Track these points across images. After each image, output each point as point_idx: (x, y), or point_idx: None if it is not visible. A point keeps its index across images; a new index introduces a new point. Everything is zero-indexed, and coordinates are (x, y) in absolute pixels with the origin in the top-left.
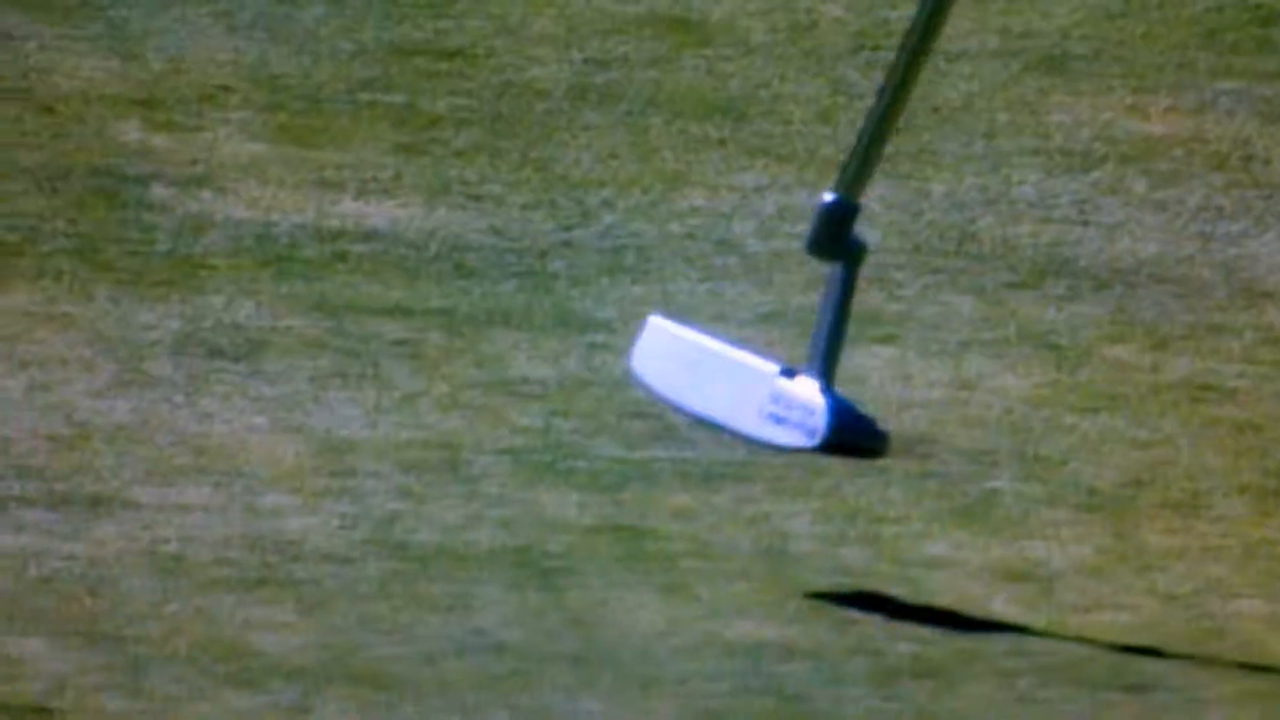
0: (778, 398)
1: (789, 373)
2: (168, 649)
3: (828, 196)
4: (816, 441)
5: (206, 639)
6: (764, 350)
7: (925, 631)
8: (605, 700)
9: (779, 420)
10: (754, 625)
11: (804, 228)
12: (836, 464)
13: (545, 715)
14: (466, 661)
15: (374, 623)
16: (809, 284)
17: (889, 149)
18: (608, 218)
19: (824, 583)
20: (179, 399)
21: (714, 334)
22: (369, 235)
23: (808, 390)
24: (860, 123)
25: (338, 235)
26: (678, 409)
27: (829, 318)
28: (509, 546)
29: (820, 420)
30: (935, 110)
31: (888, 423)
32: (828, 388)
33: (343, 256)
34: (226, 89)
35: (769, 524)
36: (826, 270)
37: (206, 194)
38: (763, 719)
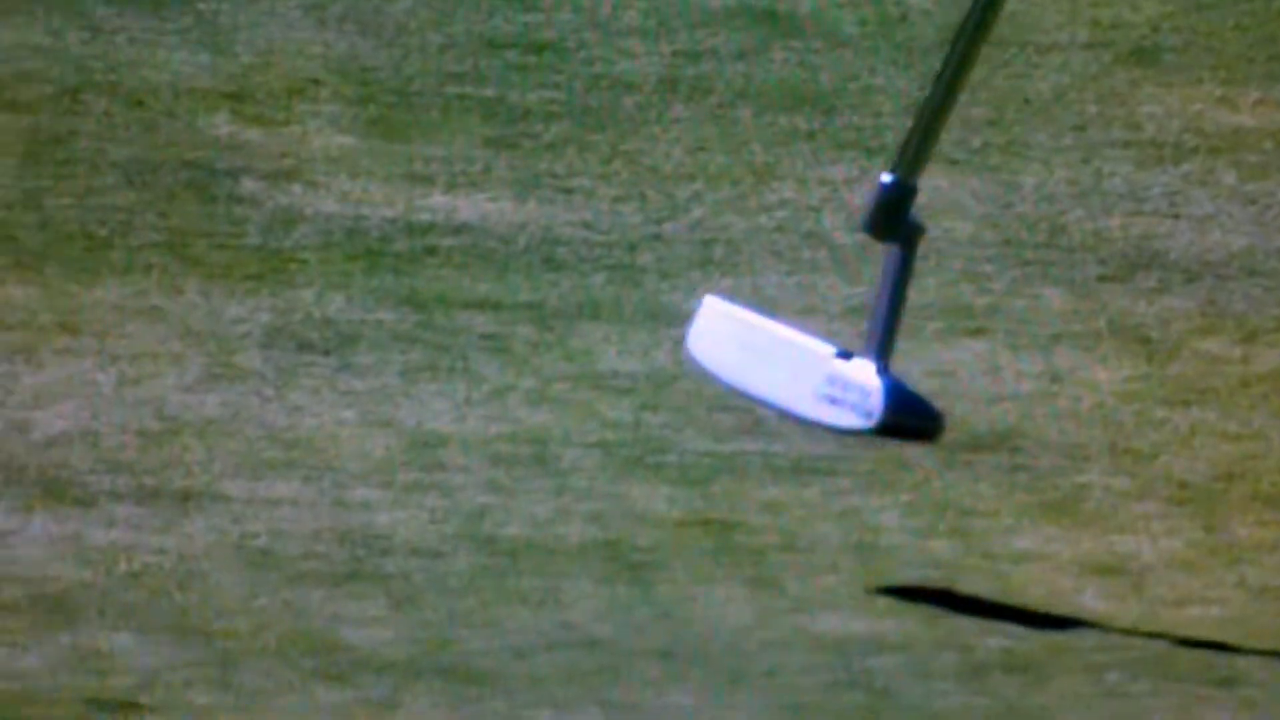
0: (834, 379)
1: (845, 354)
2: (257, 643)
3: (885, 177)
4: (872, 423)
5: (295, 633)
6: (853, 344)
7: (1014, 626)
8: (694, 694)
9: (834, 402)
10: (843, 619)
11: None
12: (926, 458)
13: (634, 709)
14: (556, 655)
15: (463, 617)
16: None
17: (979, 141)
18: (697, 211)
19: (913, 576)
20: (269, 393)
21: (800, 326)
22: (459, 229)
23: (864, 372)
24: (919, 104)
25: (427, 229)
26: (732, 389)
27: (885, 299)
28: (598, 540)
29: (876, 402)
30: (1026, 103)
31: (977, 416)
32: (884, 369)
33: (432, 250)
34: (316, 82)
35: (858, 518)
36: (883, 251)
37: (296, 187)
38: (851, 713)
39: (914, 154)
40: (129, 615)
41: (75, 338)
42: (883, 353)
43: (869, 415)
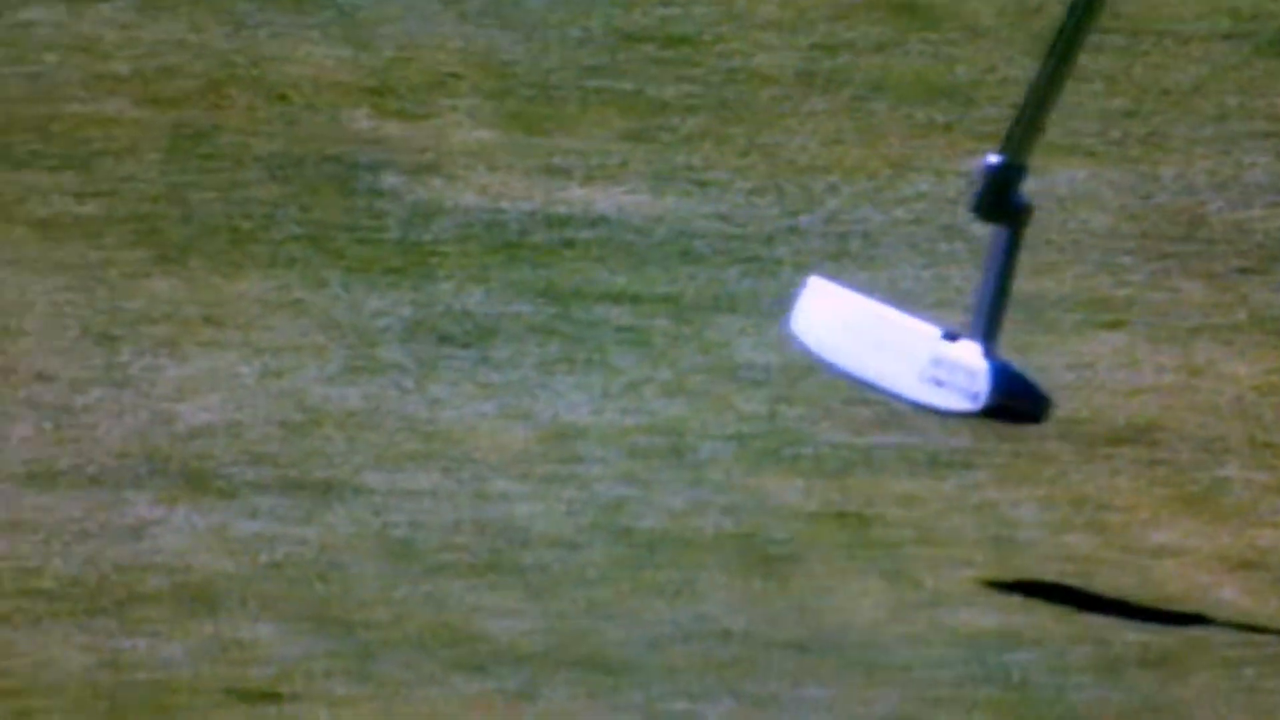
0: (939, 361)
1: (951, 336)
2: (396, 634)
3: (993, 158)
4: (978, 406)
5: (434, 624)
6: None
7: (1151, 621)
8: (828, 687)
9: (940, 383)
10: (978, 613)
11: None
12: (1064, 451)
13: (769, 702)
14: (691, 647)
15: (600, 608)
16: (1036, 270)
17: (1117, 133)
18: (833, 203)
19: (1049, 570)
20: (409, 385)
21: (935, 320)
22: (596, 221)
23: (970, 354)
24: (1029, 85)
25: (565, 222)
26: (836, 370)
27: (992, 281)
28: (733, 532)
29: (982, 384)
30: (1165, 94)
31: (1115, 409)
32: (990, 351)
33: (570, 243)
34: (456, 76)
35: (994, 511)
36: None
37: (436, 181)
38: (986, 708)
39: (1022, 134)
40: (270, 605)
41: (219, 330)
42: (989, 334)
43: (975, 398)
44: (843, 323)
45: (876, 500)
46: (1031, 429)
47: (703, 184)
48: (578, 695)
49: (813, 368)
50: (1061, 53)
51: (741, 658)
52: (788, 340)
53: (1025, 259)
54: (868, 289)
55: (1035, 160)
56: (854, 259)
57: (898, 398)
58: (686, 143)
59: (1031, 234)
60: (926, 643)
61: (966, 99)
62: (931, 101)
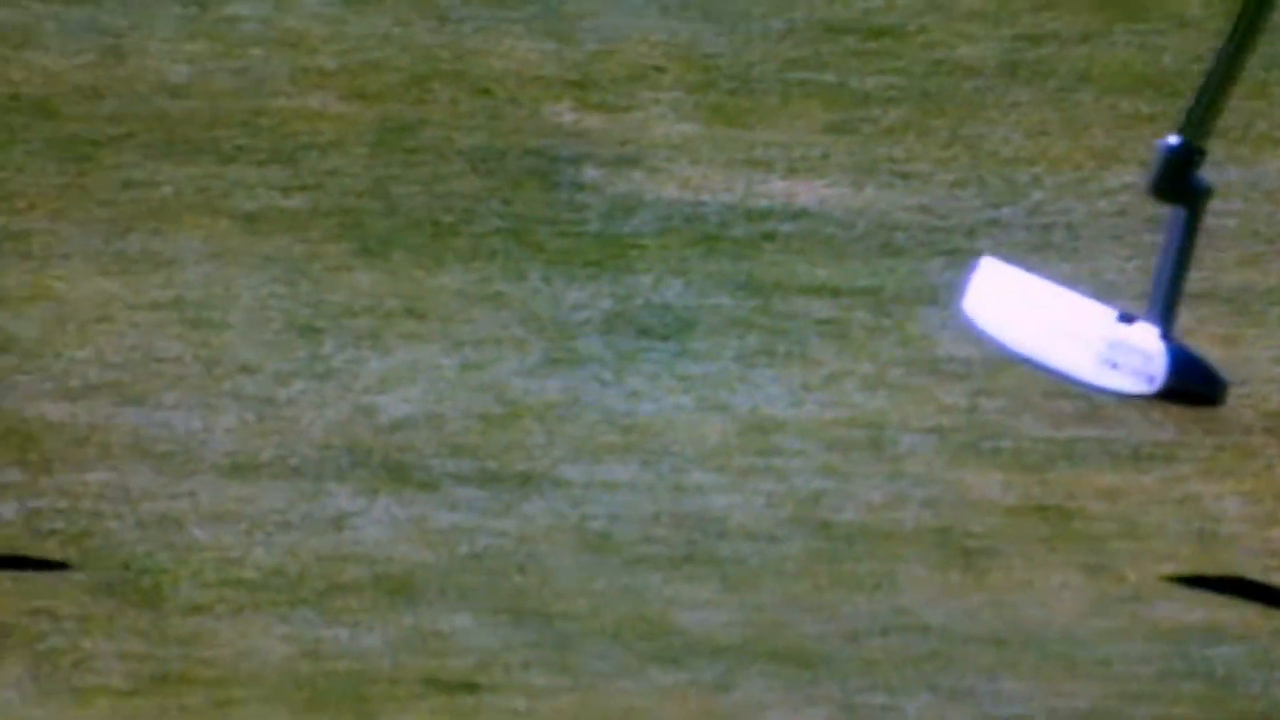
0: (1115, 343)
1: (1127, 318)
2: (594, 626)
3: (1171, 139)
4: (1154, 389)
5: (632, 616)
6: (1195, 330)
7: None
8: (1027, 681)
9: (1115, 366)
10: (1181, 608)
11: (1241, 204)
12: (1270, 444)
13: (966, 696)
14: (888, 640)
15: (797, 601)
16: (1242, 262)
17: None
18: (1036, 195)
19: (1254, 565)
20: (608, 377)
21: (1139, 312)
22: (797, 214)
23: (1146, 337)
24: (1208, 67)
25: (766, 214)
26: (1008, 350)
27: (1169, 263)
28: (932, 526)
29: (1159, 367)
30: None
31: None
32: (1167, 334)
33: (771, 236)
34: (659, 69)
35: (1198, 505)
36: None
37: (637, 174)
38: (1189, 702)
39: (1201, 116)
40: (469, 597)
41: (420, 323)
42: (1166, 317)
43: (1151, 380)
44: (1016, 303)
45: (1077, 494)
46: (1235, 422)
47: (905, 176)
48: (774, 688)
49: (1014, 361)
50: (1241, 34)
51: (939, 651)
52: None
53: (1232, 252)
54: (1071, 281)
55: (1243, 152)
56: (1057, 251)
57: (1072, 380)
58: (888, 135)
59: (1238, 226)
60: (1127, 637)
61: (1172, 90)
62: (1137, 92)
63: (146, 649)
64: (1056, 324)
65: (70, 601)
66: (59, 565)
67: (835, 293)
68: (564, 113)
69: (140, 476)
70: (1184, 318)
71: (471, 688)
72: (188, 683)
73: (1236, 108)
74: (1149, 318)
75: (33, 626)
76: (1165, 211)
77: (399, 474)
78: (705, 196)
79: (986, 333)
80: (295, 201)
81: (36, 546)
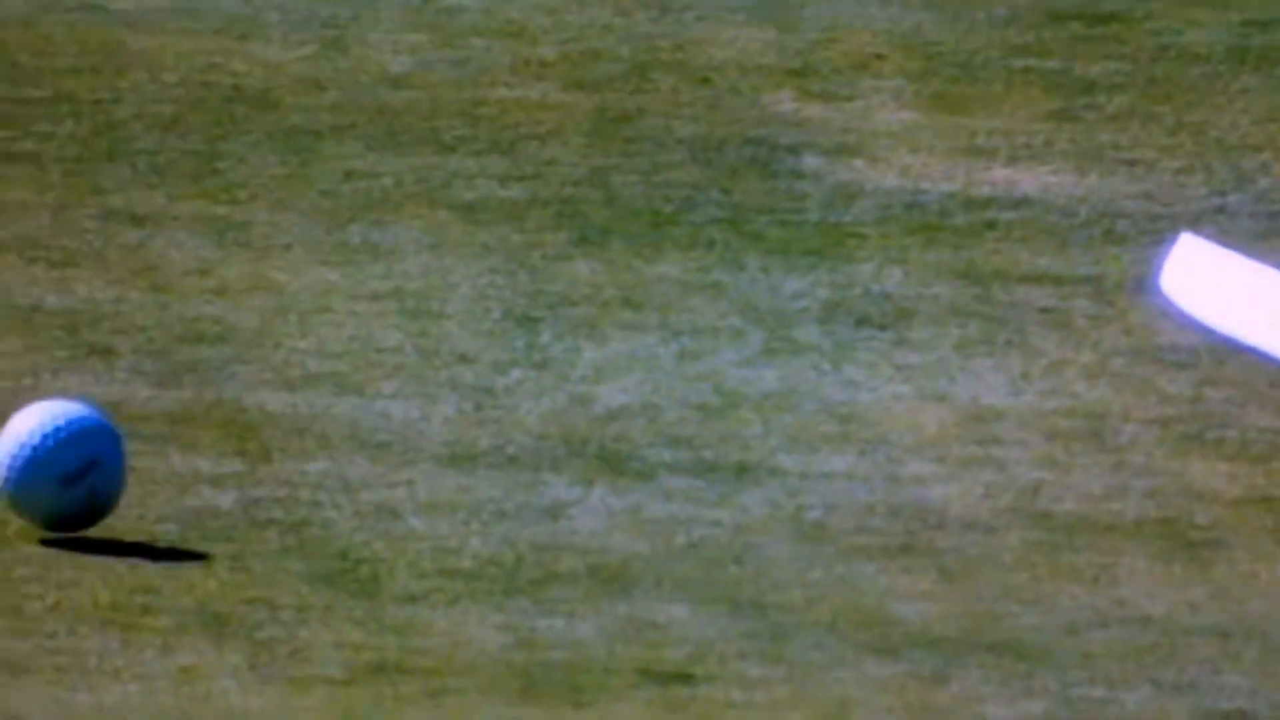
0: None
1: None
2: (809, 616)
3: None
4: None
5: (847, 607)
6: None
7: None
8: (1250, 675)
9: None
10: None
11: None
12: None
13: (1188, 689)
14: (1108, 633)
15: (1015, 592)
16: None
17: None
18: (1263, 182)
19: None
20: (825, 367)
21: None
22: (1019, 202)
23: None
24: None
25: (987, 203)
26: (1205, 329)
27: None
28: (1155, 517)
29: None
30: None
31: None
32: None
33: (992, 224)
34: (880, 57)
35: None
36: None
37: (858, 163)
38: None
39: None
40: (684, 587)
41: (638, 312)
42: None
43: None
44: (1218, 282)
45: None
46: None
47: (1129, 163)
48: (990, 680)
49: (1239, 350)
50: None
51: (1161, 644)
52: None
53: None
54: None
55: None
56: None
57: (1274, 359)
58: (1113, 121)
59: None
60: None
61: None
62: None
63: (363, 638)
64: (1260, 302)
65: (288, 591)
66: (277, 554)
67: (1057, 281)
68: (784, 101)
69: (358, 466)
70: None
71: (686, 678)
72: (403, 672)
73: None
74: None
75: (250, 616)
76: None
77: (615, 464)
78: (926, 184)
79: (1183, 311)
80: (514, 191)
81: (255, 536)
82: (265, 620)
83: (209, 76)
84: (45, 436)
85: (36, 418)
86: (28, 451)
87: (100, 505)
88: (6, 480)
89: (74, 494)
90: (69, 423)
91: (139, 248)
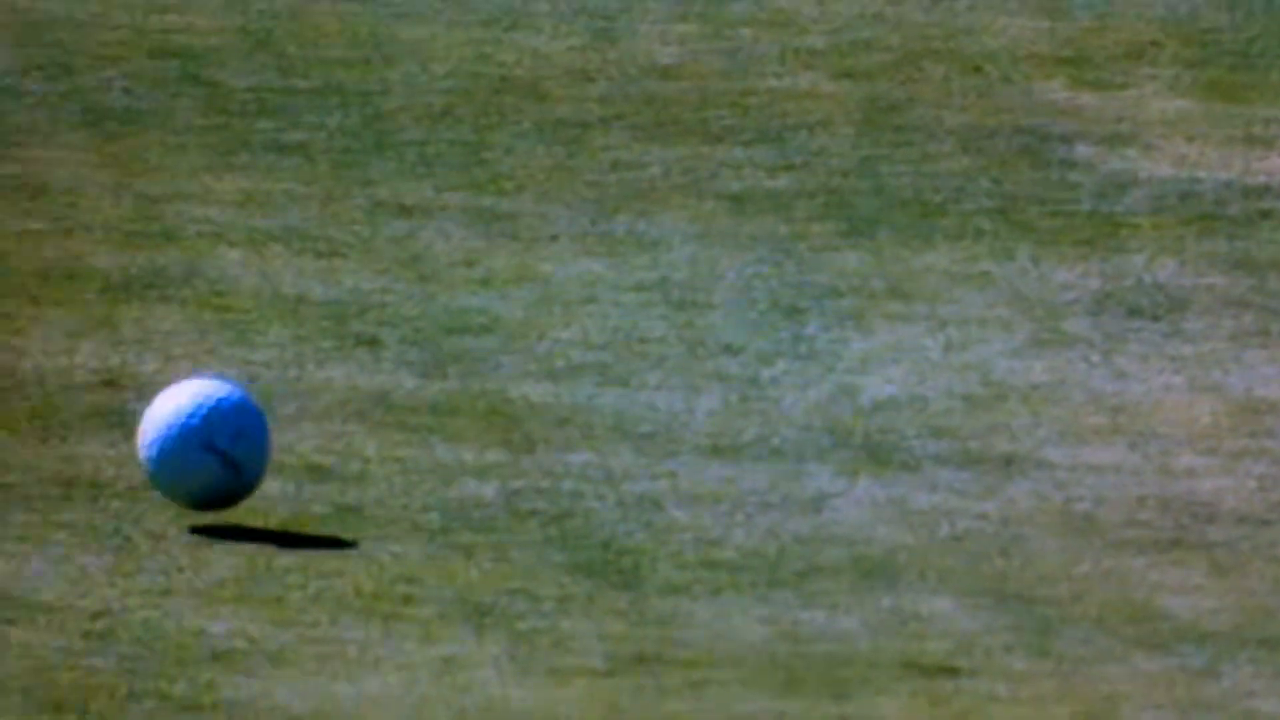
0: None
1: None
2: (1076, 610)
3: None
4: None
5: (1116, 600)
6: None
7: None
8: None
9: None
10: None
11: None
12: None
13: None
14: None
15: None
16: None
17: None
18: None
19: None
20: (1095, 359)
21: None
22: None
23: None
24: None
25: (1264, 191)
26: None
27: None
28: None
29: None
30: None
31: None
32: None
33: (1268, 213)
34: (1156, 45)
35: None
36: None
37: (1130, 152)
38: None
39: None
40: (949, 579)
41: (905, 303)
42: None
43: None
44: None
45: None
46: None
47: None
48: (1262, 675)
49: None
50: None
51: None
52: None
53: None
54: None
55: None
56: None
57: None
58: None
59: None
60: None
61: None
62: None
63: (625, 629)
64: None
65: (550, 582)
66: (539, 545)
67: None
68: (1057, 90)
69: (622, 457)
70: None
71: (951, 671)
72: (665, 663)
73: None
74: None
75: (512, 606)
76: None
77: (880, 455)
78: (1201, 173)
79: None
80: (782, 181)
81: (517, 526)
82: (527, 611)
83: (477, 67)
84: (190, 414)
85: (184, 395)
86: (173, 429)
87: (245, 484)
88: (151, 458)
89: (218, 471)
90: (214, 400)
91: (406, 238)
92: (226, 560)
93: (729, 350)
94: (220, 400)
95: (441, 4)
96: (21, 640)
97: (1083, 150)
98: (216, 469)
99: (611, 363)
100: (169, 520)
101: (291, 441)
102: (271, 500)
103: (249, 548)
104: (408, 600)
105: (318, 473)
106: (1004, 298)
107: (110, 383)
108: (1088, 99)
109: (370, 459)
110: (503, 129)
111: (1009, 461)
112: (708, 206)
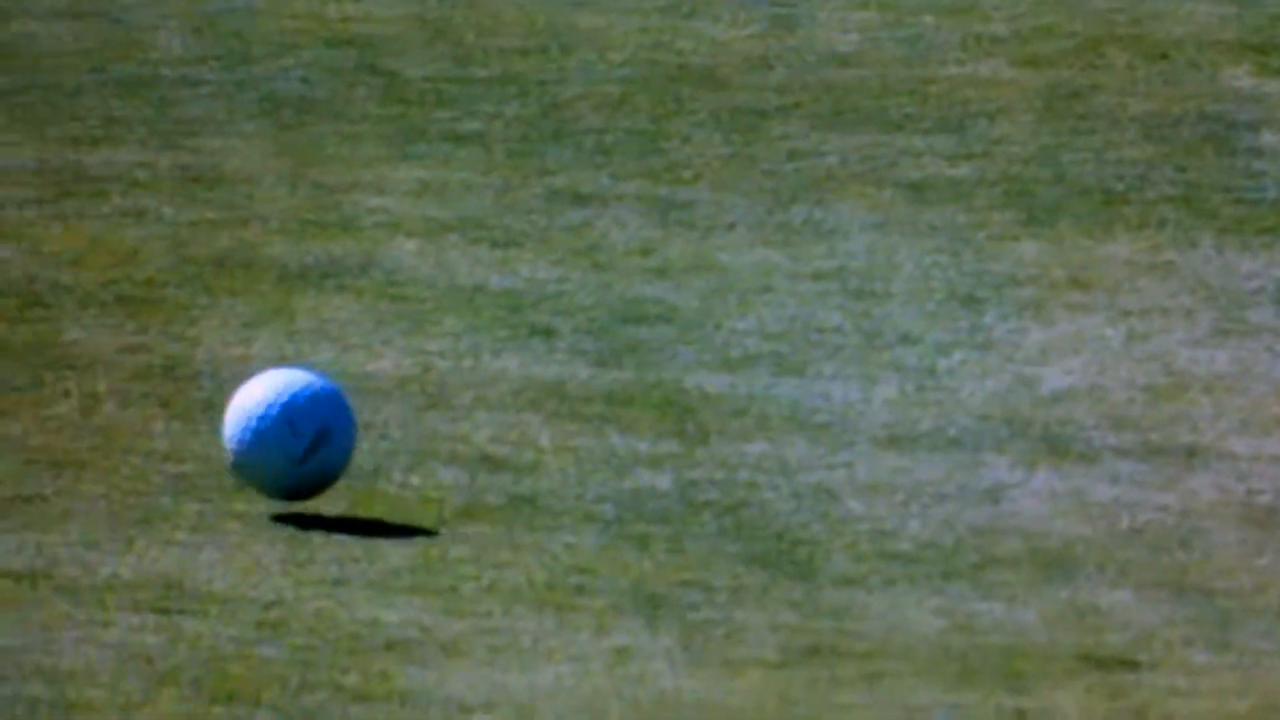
0: None
1: None
2: (1257, 603)
3: None
4: None
5: None
6: None
7: None
8: None
9: None
10: None
11: None
12: None
13: None
14: None
15: None
16: None
17: None
18: None
19: None
20: (1279, 348)
21: None
22: None
23: None
24: None
25: None
26: None
27: None
28: None
29: None
30: None
31: None
32: None
33: None
34: None
35: None
36: None
37: None
38: None
39: None
40: (1128, 572)
41: (1086, 293)
42: None
43: None
44: None
45: None
46: None
47: None
48: None
49: None
50: None
51: None
52: None
53: None
54: None
55: None
56: None
57: None
58: None
59: None
60: None
61: None
62: None
63: (798, 620)
64: None
65: (724, 573)
66: (714, 536)
67: None
68: (1243, 77)
69: (797, 447)
70: None
71: (1130, 664)
72: (839, 655)
73: None
74: None
75: (685, 597)
76: None
77: (1058, 446)
78: None
79: None
80: (962, 170)
81: (691, 517)
82: (700, 602)
83: (655, 55)
84: (274, 405)
85: (268, 385)
86: (256, 421)
87: (329, 475)
88: (236, 451)
89: (304, 465)
90: (300, 390)
91: (582, 228)
92: (400, 550)
93: (906, 340)
94: (302, 389)
95: None
96: (194, 631)
97: (1269, 138)
98: (303, 467)
99: (787, 353)
100: (343, 511)
101: (466, 431)
102: (445, 490)
103: (422, 538)
104: (581, 591)
105: (492, 463)
106: (1187, 287)
107: None
108: (1274, 86)
109: (544, 449)
110: (680, 118)
111: (1190, 453)
112: (886, 195)
